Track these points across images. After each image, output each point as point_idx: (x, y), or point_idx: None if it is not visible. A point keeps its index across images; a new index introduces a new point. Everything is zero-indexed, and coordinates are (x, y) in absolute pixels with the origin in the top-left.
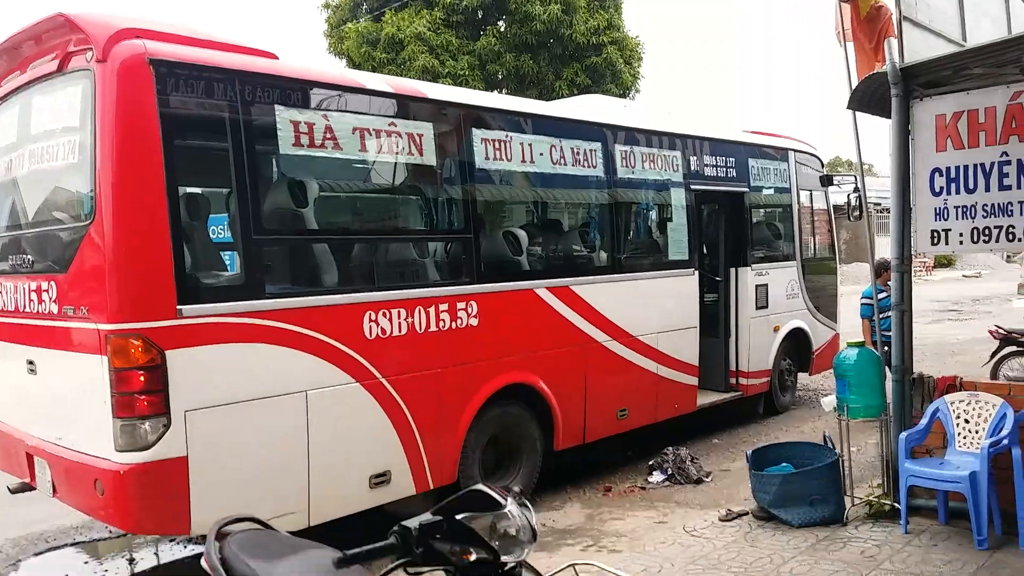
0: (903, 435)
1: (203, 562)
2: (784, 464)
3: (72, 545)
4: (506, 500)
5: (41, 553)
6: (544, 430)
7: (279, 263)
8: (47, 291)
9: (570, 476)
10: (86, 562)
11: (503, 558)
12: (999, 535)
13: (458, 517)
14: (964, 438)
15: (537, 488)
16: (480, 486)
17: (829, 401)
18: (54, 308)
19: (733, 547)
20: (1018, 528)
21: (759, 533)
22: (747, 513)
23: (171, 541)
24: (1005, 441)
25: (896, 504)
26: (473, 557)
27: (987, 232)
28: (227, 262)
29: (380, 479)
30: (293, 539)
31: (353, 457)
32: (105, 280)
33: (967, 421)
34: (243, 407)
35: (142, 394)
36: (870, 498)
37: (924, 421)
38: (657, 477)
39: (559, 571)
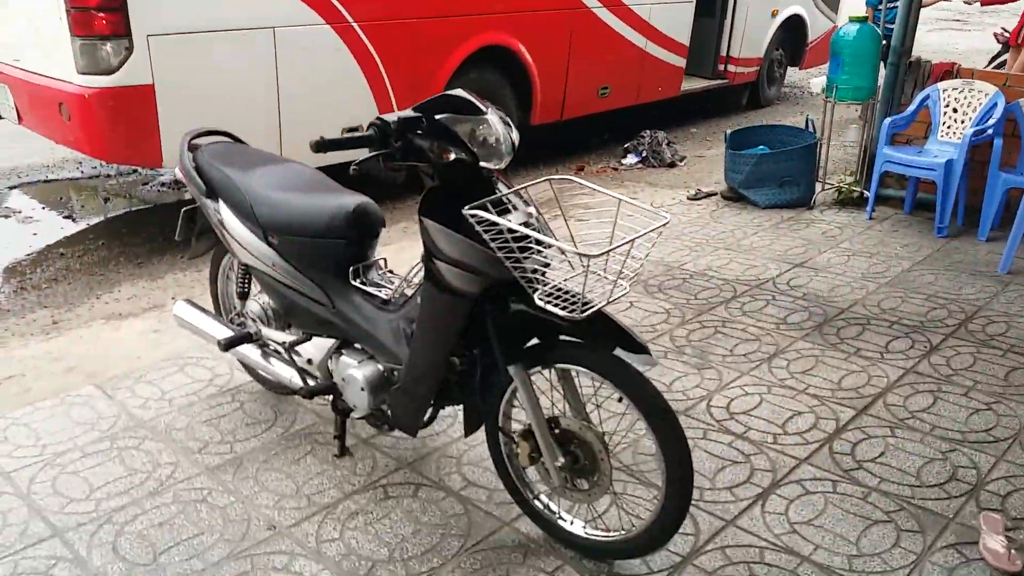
0: (887, 119)
1: (176, 171)
2: (761, 147)
3: (47, 183)
4: (487, 108)
5: (15, 187)
6: (522, 103)
7: None
8: None
9: (543, 156)
10: (60, 198)
11: (481, 163)
12: (960, 226)
13: (438, 117)
14: (948, 128)
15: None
16: (460, 91)
17: (819, 82)
18: None
19: (698, 222)
20: (981, 219)
21: (725, 211)
22: (715, 194)
23: (144, 185)
24: (990, 131)
25: (866, 192)
26: (452, 156)
27: None
28: None
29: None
30: (267, 153)
31: (324, 106)
32: None
33: (955, 111)
34: (210, 38)
35: (100, 11)
36: (840, 184)
37: (912, 107)
38: (631, 159)
39: (534, 183)
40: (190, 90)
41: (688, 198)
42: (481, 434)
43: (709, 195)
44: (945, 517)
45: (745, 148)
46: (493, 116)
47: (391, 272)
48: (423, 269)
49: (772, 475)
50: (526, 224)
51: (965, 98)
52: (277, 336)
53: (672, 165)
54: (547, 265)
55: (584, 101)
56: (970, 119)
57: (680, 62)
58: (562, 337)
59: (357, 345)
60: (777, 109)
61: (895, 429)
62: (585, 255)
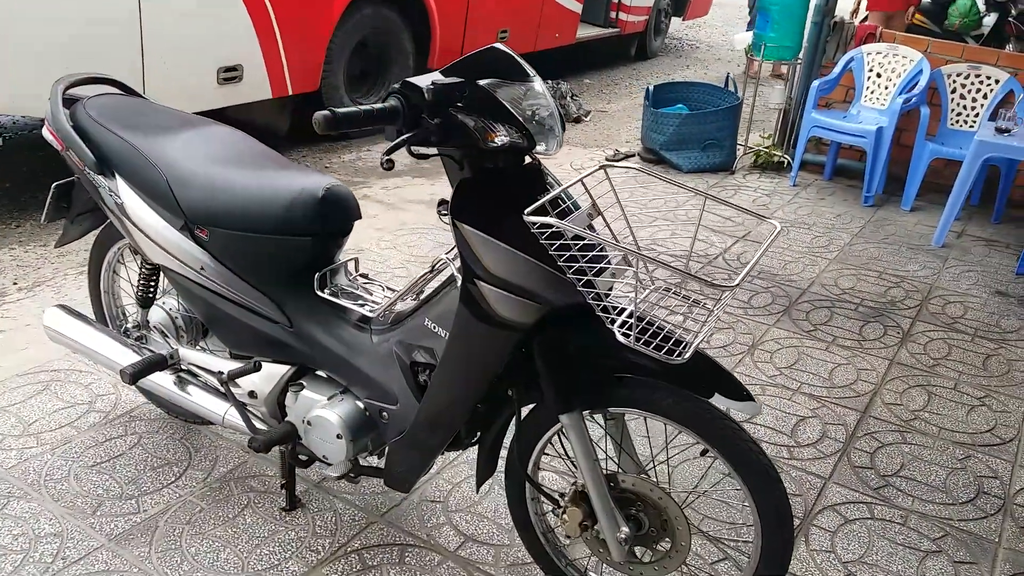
0: (815, 82)
1: (44, 132)
2: (679, 105)
3: None
4: (533, 73)
5: None
6: (420, 47)
7: None
8: None
9: None
10: None
11: (538, 147)
12: (880, 194)
13: (482, 83)
14: (872, 93)
15: None
16: (500, 46)
17: (742, 39)
18: None
19: (624, 188)
20: (905, 189)
21: (648, 175)
22: (634, 154)
23: None
24: (915, 98)
25: (785, 157)
26: (500, 140)
27: None
28: None
29: (230, 74)
30: (178, 111)
31: (197, 41)
32: None
33: (879, 75)
34: None
35: None
36: (760, 148)
37: (837, 70)
38: None
39: (590, 173)
40: (25, 16)
41: (607, 159)
42: (462, 472)
43: (627, 156)
44: (992, 542)
45: (662, 106)
46: (539, 83)
47: (364, 277)
48: (450, 287)
49: (803, 502)
50: (590, 229)
51: (890, 63)
52: (204, 361)
53: (578, 120)
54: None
55: (484, 45)
56: (894, 85)
57: (577, 8)
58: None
59: (320, 373)
60: (662, 60)
61: (905, 434)
62: (720, 286)
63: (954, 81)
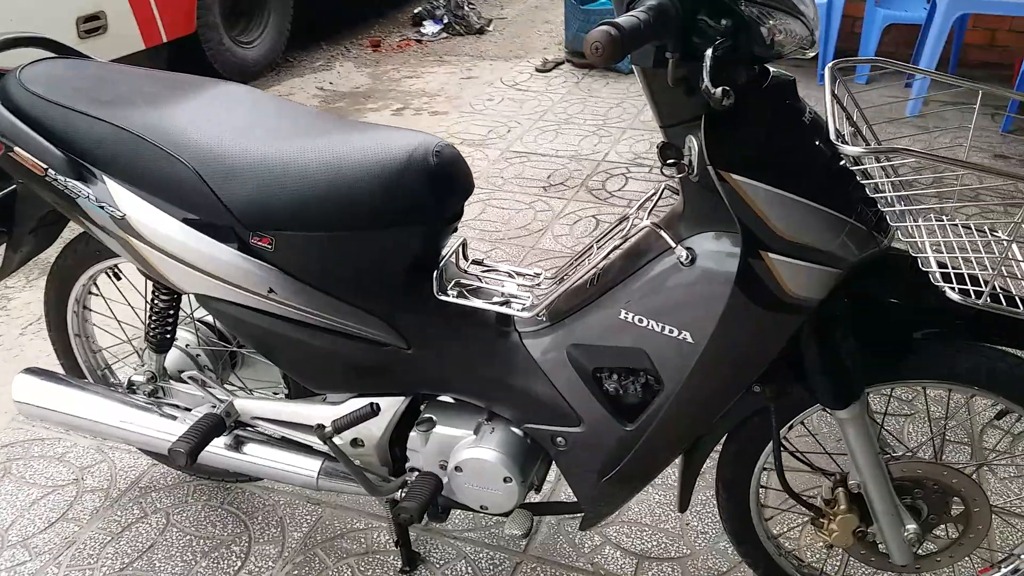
0: None
1: None
2: (601, 0)
3: None
4: None
5: None
6: None
7: None
8: None
9: (320, 33)
10: None
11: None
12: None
13: None
14: None
15: (290, 47)
16: None
17: None
18: None
19: (571, 99)
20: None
21: (590, 82)
22: (564, 62)
23: None
24: None
25: None
26: (787, 39)
27: None
28: None
29: (92, 24)
30: (152, 71)
31: None
32: None
33: None
34: None
35: None
36: None
37: None
38: (431, 28)
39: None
40: None
41: (537, 70)
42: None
43: (558, 63)
44: None
45: (585, 3)
46: None
47: (478, 263)
48: (655, 262)
49: None
50: None
51: None
52: (280, 412)
53: (481, 31)
54: None
55: None
56: None
57: None
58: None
59: (445, 398)
60: None
61: None
62: None
63: None
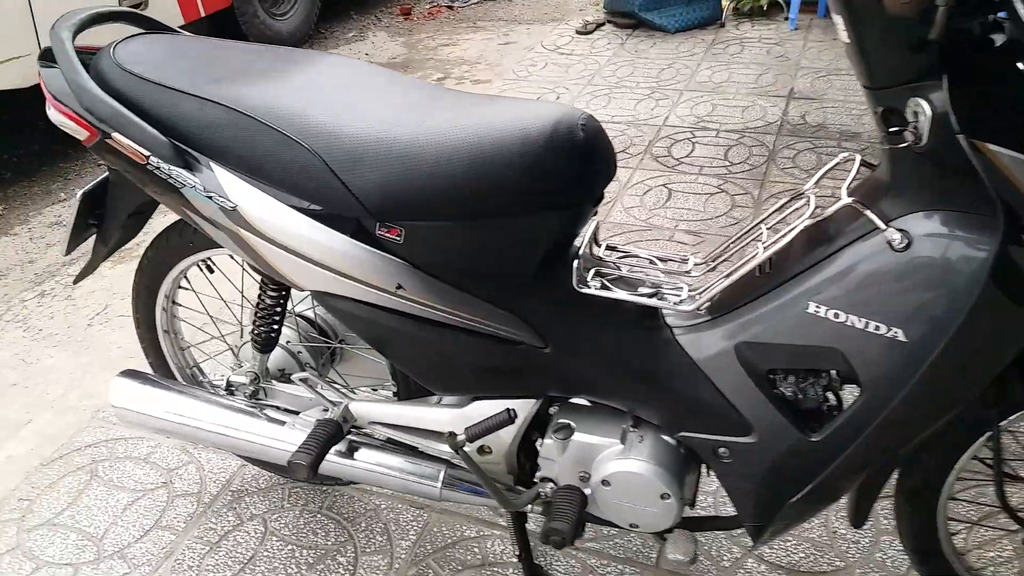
0: None
1: (51, 112)
2: None
3: None
4: None
5: None
6: None
7: None
8: None
9: (349, 3)
10: None
11: None
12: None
13: None
14: None
15: (321, 19)
16: None
17: None
18: None
19: (619, 61)
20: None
21: (636, 43)
22: (604, 23)
23: None
24: None
25: None
26: None
27: None
28: None
29: (134, 0)
30: (250, 44)
31: None
32: None
33: None
34: None
35: None
36: None
37: None
38: None
39: None
40: None
41: (578, 32)
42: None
43: (599, 25)
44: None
45: None
46: None
47: (612, 249)
48: (858, 243)
49: None
50: None
51: None
52: (403, 416)
53: None
54: None
55: None
56: None
57: None
58: None
59: (579, 400)
60: None
61: None
62: None
63: None
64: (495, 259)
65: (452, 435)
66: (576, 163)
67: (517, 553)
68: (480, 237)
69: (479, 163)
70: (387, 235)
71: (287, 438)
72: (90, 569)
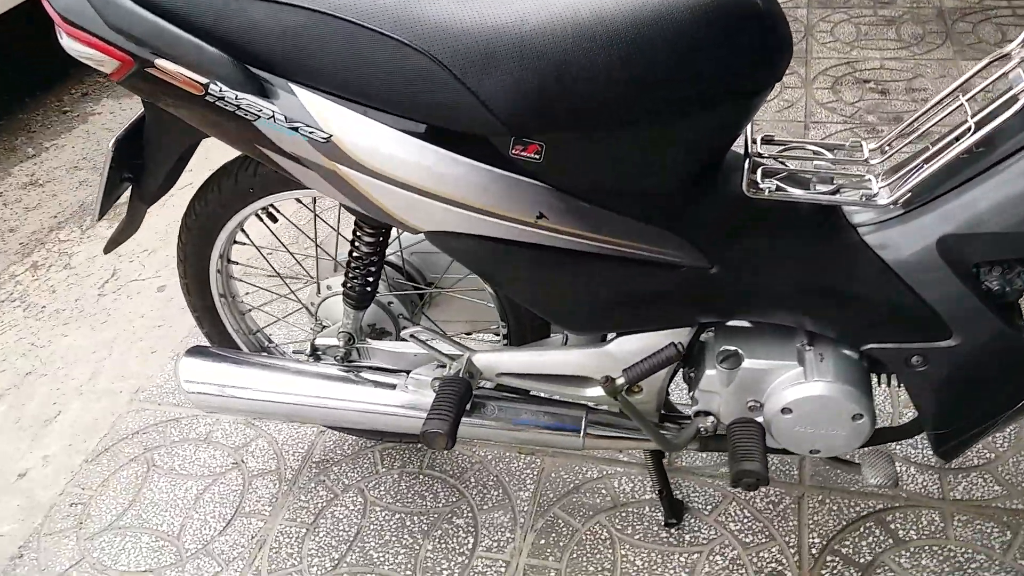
0: None
1: (66, 40)
2: None
3: None
4: None
5: None
6: None
7: None
8: None
9: None
10: None
11: None
12: None
13: None
14: None
15: None
16: None
17: None
18: None
19: None
20: None
21: None
22: None
23: None
24: None
25: None
26: None
27: None
28: None
29: None
30: None
31: None
32: None
33: None
34: None
35: None
36: None
37: None
38: None
39: None
40: None
41: None
42: None
43: None
44: None
45: None
46: None
47: (770, 142)
48: None
49: None
50: None
51: None
52: (543, 363)
53: None
54: None
55: None
56: None
57: None
58: None
59: (737, 323)
60: None
61: None
62: None
63: None
64: (654, 171)
65: (609, 379)
66: (759, 39)
67: (658, 490)
68: (639, 144)
69: (641, 47)
70: (523, 154)
71: (405, 402)
72: (174, 573)
